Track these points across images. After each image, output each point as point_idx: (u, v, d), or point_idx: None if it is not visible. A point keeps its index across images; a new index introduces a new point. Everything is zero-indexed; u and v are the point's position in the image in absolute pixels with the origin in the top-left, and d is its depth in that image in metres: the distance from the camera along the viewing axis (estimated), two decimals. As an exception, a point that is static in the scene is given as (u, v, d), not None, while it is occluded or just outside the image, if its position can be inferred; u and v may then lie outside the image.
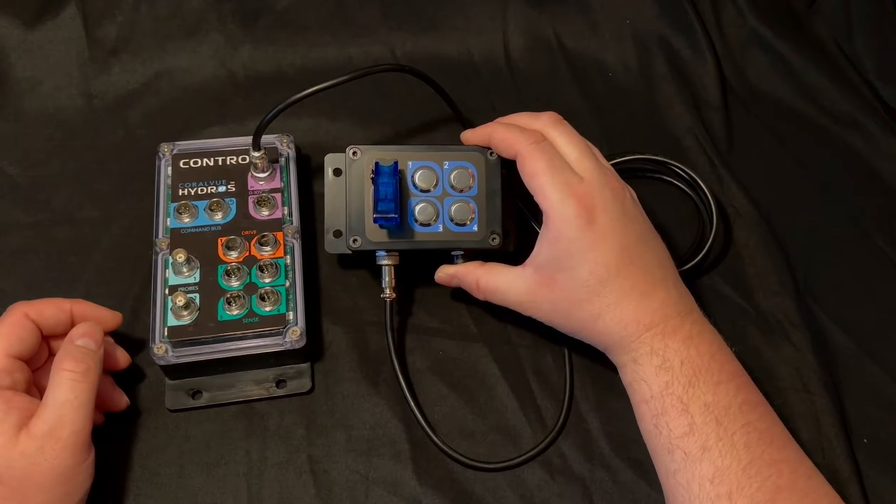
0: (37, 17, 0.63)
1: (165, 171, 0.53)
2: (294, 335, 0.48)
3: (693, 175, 0.58)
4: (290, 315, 0.49)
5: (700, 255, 0.55)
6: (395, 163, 0.48)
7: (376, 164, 0.48)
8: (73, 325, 0.46)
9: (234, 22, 0.65)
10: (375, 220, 0.48)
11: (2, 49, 0.62)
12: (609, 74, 0.67)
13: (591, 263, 0.45)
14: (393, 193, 0.47)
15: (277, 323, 0.48)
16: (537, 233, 0.48)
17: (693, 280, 0.56)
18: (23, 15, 0.63)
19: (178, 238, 0.51)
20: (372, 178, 0.48)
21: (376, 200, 0.47)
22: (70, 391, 0.41)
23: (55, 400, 0.41)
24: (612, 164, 0.50)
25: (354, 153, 0.49)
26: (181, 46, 0.64)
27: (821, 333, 0.55)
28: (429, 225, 0.50)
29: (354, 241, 0.49)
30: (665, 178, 0.61)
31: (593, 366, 0.52)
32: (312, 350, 0.51)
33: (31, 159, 0.58)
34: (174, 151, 0.54)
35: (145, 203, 0.54)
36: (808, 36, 0.69)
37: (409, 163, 0.50)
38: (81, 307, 0.47)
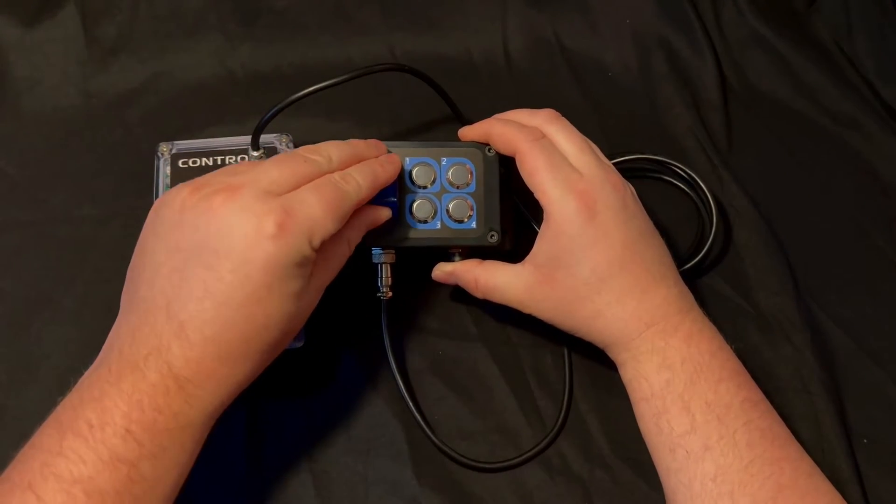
0: (35, 16, 0.62)
1: (164, 170, 0.53)
2: (293, 335, 0.48)
3: (693, 175, 0.58)
4: (289, 314, 0.49)
5: (700, 255, 0.55)
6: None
7: None
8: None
9: (233, 21, 0.65)
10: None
11: (0, 48, 0.62)
12: (609, 74, 0.67)
13: (593, 260, 0.45)
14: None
15: (276, 322, 0.48)
16: (535, 231, 0.48)
17: (693, 280, 0.56)
18: (21, 14, 0.62)
19: (177, 237, 0.50)
20: None
21: None
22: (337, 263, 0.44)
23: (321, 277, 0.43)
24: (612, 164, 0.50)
25: None
26: (180, 46, 0.63)
27: (821, 333, 0.55)
28: (426, 222, 0.50)
29: None
30: (665, 177, 0.61)
31: (593, 366, 0.52)
32: (311, 350, 0.51)
33: (29, 158, 0.58)
34: (173, 151, 0.54)
35: (144, 202, 0.53)
36: (808, 36, 0.69)
37: (407, 159, 0.50)
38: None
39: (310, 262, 0.40)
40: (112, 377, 0.37)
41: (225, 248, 0.38)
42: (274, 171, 0.41)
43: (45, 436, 0.37)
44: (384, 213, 0.47)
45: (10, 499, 0.35)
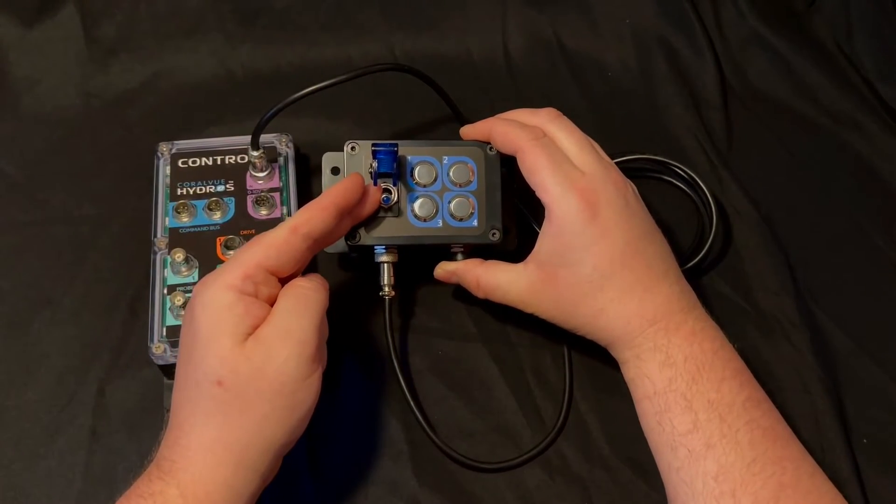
0: (35, 16, 0.63)
1: (164, 170, 0.53)
2: (293, 335, 0.48)
3: (693, 175, 0.58)
4: (289, 314, 0.49)
5: (700, 255, 0.55)
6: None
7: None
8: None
9: (233, 21, 0.65)
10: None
11: (0, 48, 0.62)
12: (609, 74, 0.67)
13: (595, 258, 0.45)
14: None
15: (276, 322, 0.48)
16: (536, 233, 0.48)
17: (693, 280, 0.55)
18: (21, 14, 0.63)
19: (177, 237, 0.51)
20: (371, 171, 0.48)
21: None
22: (299, 299, 0.41)
23: (284, 307, 0.40)
24: (612, 164, 0.49)
25: (353, 148, 0.49)
26: (180, 45, 0.63)
27: (821, 333, 0.55)
28: (428, 220, 0.49)
29: (353, 236, 0.49)
30: (665, 178, 0.61)
31: (593, 365, 0.52)
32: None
33: (29, 158, 0.58)
34: (173, 151, 0.54)
35: (144, 202, 0.53)
36: (808, 36, 0.69)
37: (409, 158, 0.50)
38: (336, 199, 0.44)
39: (239, 289, 0.40)
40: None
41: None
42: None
43: None
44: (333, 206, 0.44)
45: None
